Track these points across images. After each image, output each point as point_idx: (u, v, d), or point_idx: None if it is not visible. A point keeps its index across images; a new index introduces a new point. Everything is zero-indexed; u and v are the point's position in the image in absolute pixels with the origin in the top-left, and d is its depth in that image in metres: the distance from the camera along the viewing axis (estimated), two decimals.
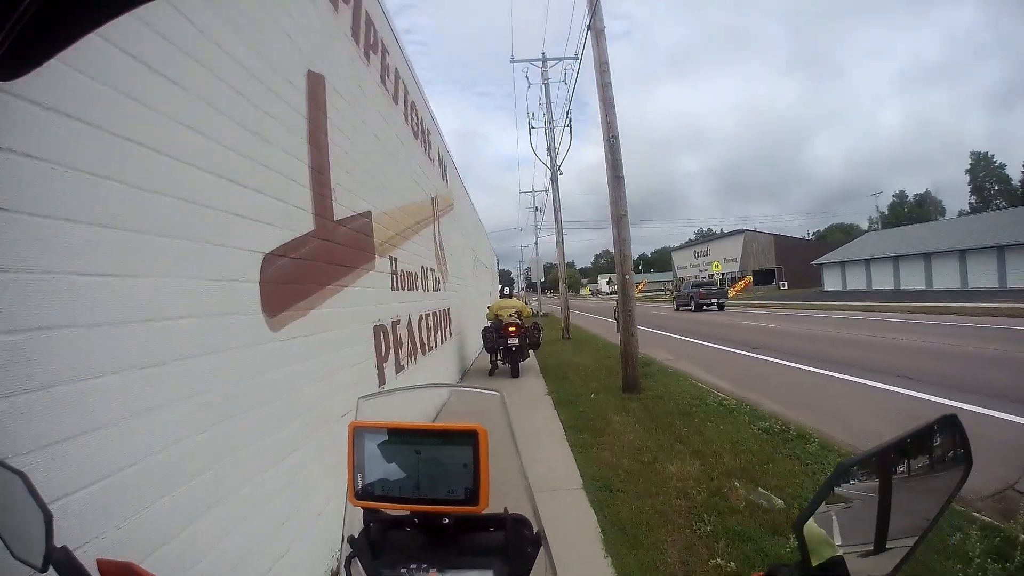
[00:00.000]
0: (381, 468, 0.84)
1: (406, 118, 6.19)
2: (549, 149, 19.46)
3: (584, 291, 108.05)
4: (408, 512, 0.87)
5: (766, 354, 11.51)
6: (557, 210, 18.50)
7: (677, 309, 32.75)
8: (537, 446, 5.26)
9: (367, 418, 0.89)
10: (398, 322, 5.05)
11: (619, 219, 7.85)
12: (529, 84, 20.46)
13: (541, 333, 10.64)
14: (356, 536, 0.91)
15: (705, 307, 30.37)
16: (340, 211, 3.69)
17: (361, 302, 3.95)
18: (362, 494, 0.85)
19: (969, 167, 78.40)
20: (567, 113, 18.51)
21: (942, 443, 0.68)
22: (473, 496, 0.81)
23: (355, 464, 0.84)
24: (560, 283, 20.03)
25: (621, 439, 5.47)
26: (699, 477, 4.37)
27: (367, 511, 0.90)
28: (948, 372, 8.15)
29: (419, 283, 6.27)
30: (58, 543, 0.69)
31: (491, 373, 10.42)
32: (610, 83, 8.10)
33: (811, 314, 22.63)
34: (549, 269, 35.93)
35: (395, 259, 5.09)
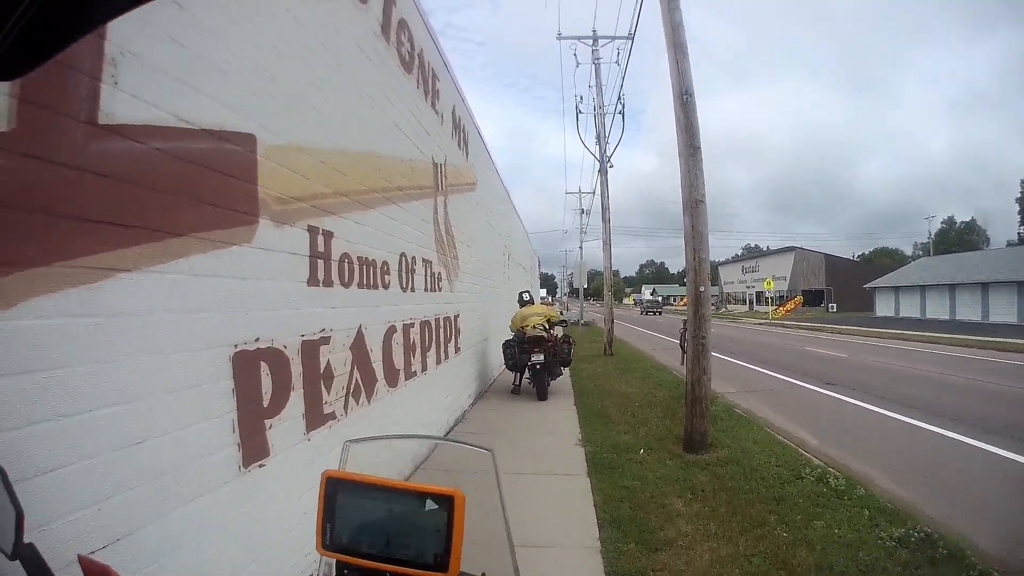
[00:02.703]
0: (351, 521, 0.81)
1: (384, 31, 4.13)
2: (598, 138, 17.16)
3: (628, 300, 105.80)
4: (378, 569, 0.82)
5: (846, 393, 9.32)
6: (605, 207, 16.10)
7: (642, 314, 53.51)
8: (554, 565, 3.07)
9: (352, 463, 0.89)
10: (326, 341, 2.98)
11: (694, 206, 5.58)
12: (577, 64, 18.14)
13: (572, 348, 9.02)
14: None
15: (651, 312, 53.31)
16: (138, 110, 1.68)
17: (188, 305, 1.91)
18: (330, 545, 0.82)
19: (1020, 195, 72.06)
20: (619, 96, 16.33)
21: None
22: (442, 563, 0.77)
23: (325, 513, 0.82)
24: (605, 290, 17.61)
25: (689, 557, 3.27)
26: None
27: (340, 562, 0.84)
28: None
29: (394, 278, 4.21)
30: None
31: (514, 392, 8.67)
32: (682, 23, 5.88)
33: (875, 343, 20.20)
34: (593, 276, 33.57)
35: (328, 234, 3.02)
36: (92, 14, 0.52)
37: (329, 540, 0.81)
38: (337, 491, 0.81)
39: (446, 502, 0.77)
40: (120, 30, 1.62)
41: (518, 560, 0.87)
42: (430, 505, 0.78)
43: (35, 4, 0.44)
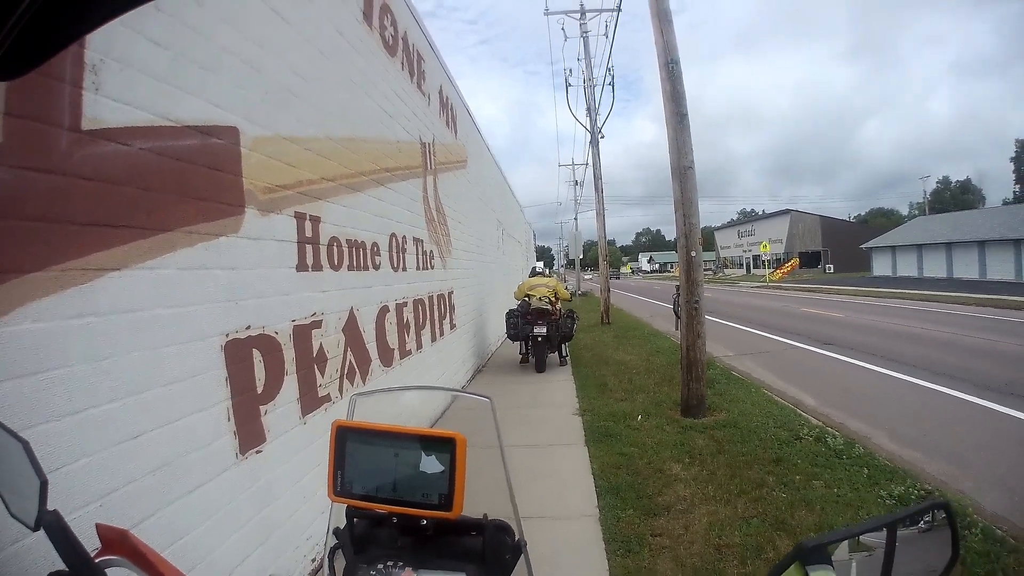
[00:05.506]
0: (360, 467, 0.84)
1: (366, 17, 4.08)
2: (589, 110, 16.97)
3: (625, 268, 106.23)
4: (387, 512, 0.86)
5: (843, 353, 9.47)
6: (597, 177, 16.01)
7: (611, 278, 61.87)
8: (553, 535, 3.17)
9: (362, 416, 0.91)
10: (317, 325, 3.03)
11: (683, 172, 5.58)
12: (566, 38, 17.82)
13: (576, 324, 8.99)
14: (341, 529, 0.91)
15: (613, 277, 53.14)
16: (119, 114, 1.70)
17: (179, 298, 1.94)
18: (341, 491, 0.85)
19: (1014, 155, 71.37)
20: (608, 67, 16.13)
21: (930, 530, 0.58)
22: (447, 502, 0.81)
23: (335, 462, 0.85)
24: (600, 260, 17.59)
25: (687, 521, 3.32)
26: None
27: (351, 507, 0.89)
28: None
29: (385, 258, 4.24)
30: None
31: (522, 362, 8.81)
32: None
33: (872, 302, 20.38)
34: (589, 247, 33.41)
35: (315, 219, 3.05)
36: (92, 14, 0.52)
37: (340, 487, 0.85)
38: (346, 439, 0.85)
39: (448, 445, 0.81)
40: (100, 34, 1.62)
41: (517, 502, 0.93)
42: (433, 448, 0.82)
43: (35, 4, 0.44)
